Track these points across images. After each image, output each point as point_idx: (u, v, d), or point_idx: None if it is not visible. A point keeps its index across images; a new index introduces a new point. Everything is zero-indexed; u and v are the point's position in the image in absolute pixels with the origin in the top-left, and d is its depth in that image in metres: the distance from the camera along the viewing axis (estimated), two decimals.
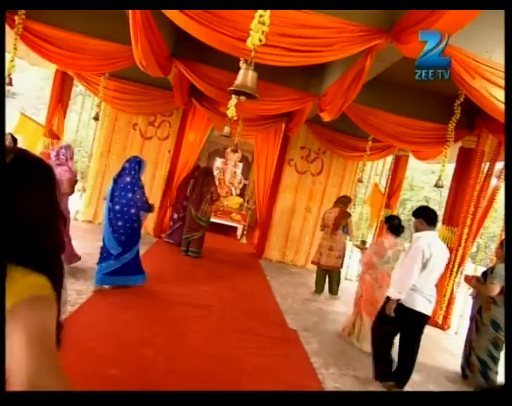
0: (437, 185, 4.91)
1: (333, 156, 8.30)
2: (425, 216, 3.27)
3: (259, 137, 8.34)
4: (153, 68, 4.52)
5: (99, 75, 6.88)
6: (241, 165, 11.22)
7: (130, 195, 4.22)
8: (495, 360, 3.77)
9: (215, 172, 11.59)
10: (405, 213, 25.28)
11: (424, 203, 24.85)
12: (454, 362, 4.59)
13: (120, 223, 4.22)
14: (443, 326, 5.76)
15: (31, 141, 7.69)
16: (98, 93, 6.78)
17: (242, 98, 2.43)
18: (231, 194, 11.33)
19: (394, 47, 3.35)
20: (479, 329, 3.91)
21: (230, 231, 10.00)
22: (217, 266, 6.71)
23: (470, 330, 4.11)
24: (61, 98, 7.67)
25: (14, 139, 3.83)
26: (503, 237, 3.88)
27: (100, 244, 4.49)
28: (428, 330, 5.63)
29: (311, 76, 5.67)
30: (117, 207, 4.20)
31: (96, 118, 6.77)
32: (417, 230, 3.29)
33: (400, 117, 5.67)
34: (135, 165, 4.32)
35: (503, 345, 3.65)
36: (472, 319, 4.07)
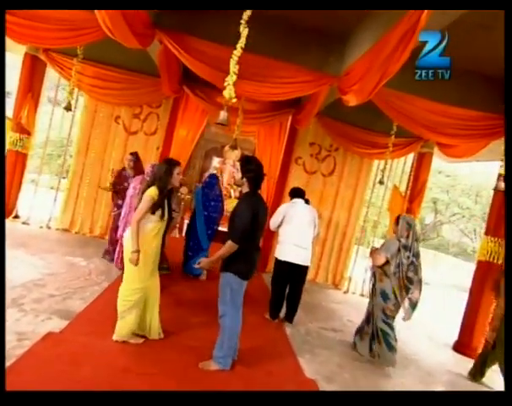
0: (497, 188, 3.82)
1: (347, 154, 7.22)
2: (290, 193, 4.89)
3: (262, 132, 7.25)
4: (124, 35, 3.43)
5: (71, 58, 5.79)
6: None
7: (220, 205, 5.53)
8: (390, 326, 4.01)
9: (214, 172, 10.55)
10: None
11: (431, 205, 23.88)
12: None
13: (212, 225, 5.45)
14: None
15: None
16: (70, 78, 5.68)
17: None
18: (230, 196, 10.31)
19: None
20: (373, 300, 4.14)
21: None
22: (210, 286, 5.49)
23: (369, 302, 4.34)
24: (31, 87, 6.56)
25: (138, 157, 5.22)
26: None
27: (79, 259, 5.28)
28: None
29: (328, 52, 4.58)
30: (214, 215, 5.43)
31: (68, 109, 5.66)
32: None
33: (438, 103, 4.58)
34: (217, 180, 5.72)
35: (392, 314, 4.00)
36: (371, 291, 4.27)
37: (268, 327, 4.47)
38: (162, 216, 3.13)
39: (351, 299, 6.73)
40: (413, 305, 3.93)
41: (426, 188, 7.50)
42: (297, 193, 4.80)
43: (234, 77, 3.34)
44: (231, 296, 2.99)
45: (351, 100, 3.97)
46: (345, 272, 7.39)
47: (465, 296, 5.57)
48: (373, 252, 4.11)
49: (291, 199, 4.78)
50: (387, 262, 3.91)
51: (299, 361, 3.69)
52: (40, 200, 7.04)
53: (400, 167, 8.10)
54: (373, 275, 4.15)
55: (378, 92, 4.10)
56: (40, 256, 5.08)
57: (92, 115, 6.74)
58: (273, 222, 4.58)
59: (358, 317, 5.73)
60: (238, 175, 3.04)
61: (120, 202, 5.28)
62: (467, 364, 4.67)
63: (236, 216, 2.91)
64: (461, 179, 22.93)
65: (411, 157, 7.62)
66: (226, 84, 3.36)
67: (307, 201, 4.77)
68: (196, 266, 3.05)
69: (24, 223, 6.60)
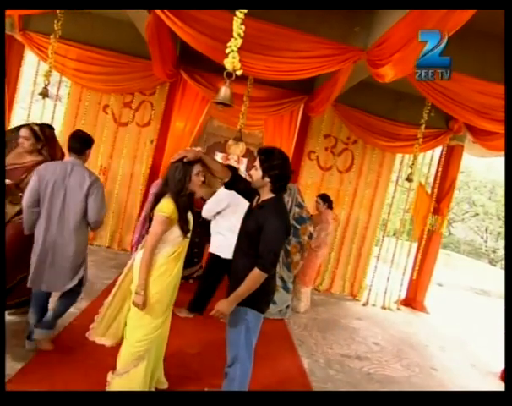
0: None
1: (366, 148, 6.37)
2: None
3: (270, 123, 6.41)
4: None
5: (48, 38, 4.98)
6: (245, 161, 9.30)
7: None
8: (288, 266, 4.47)
9: None
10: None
11: None
12: None
13: None
14: None
15: None
16: (48, 59, 4.87)
17: None
18: None
19: None
20: None
21: None
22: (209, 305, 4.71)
23: None
24: (5, 72, 5.76)
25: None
26: None
27: None
28: None
29: (353, 21, 3.73)
30: None
31: (45, 95, 4.85)
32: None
33: (491, 83, 3.74)
34: None
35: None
36: None
37: (279, 358, 3.65)
38: (185, 231, 2.26)
39: (372, 314, 5.90)
40: (292, 266, 4.48)
41: (455, 186, 6.66)
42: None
43: (239, 40, 2.51)
44: (246, 336, 2.26)
45: (388, 73, 3.13)
46: (363, 281, 6.57)
47: (486, 301, 4.84)
48: None
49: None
50: None
51: None
52: None
53: (421, 162, 7.24)
54: None
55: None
56: None
57: (76, 104, 5.93)
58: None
59: (385, 338, 4.91)
60: (257, 174, 2.17)
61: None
62: None
63: (266, 233, 2.08)
64: (476, 175, 22.01)
65: (428, 152, 6.77)
66: (228, 50, 2.53)
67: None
68: (213, 314, 2.14)
69: None
